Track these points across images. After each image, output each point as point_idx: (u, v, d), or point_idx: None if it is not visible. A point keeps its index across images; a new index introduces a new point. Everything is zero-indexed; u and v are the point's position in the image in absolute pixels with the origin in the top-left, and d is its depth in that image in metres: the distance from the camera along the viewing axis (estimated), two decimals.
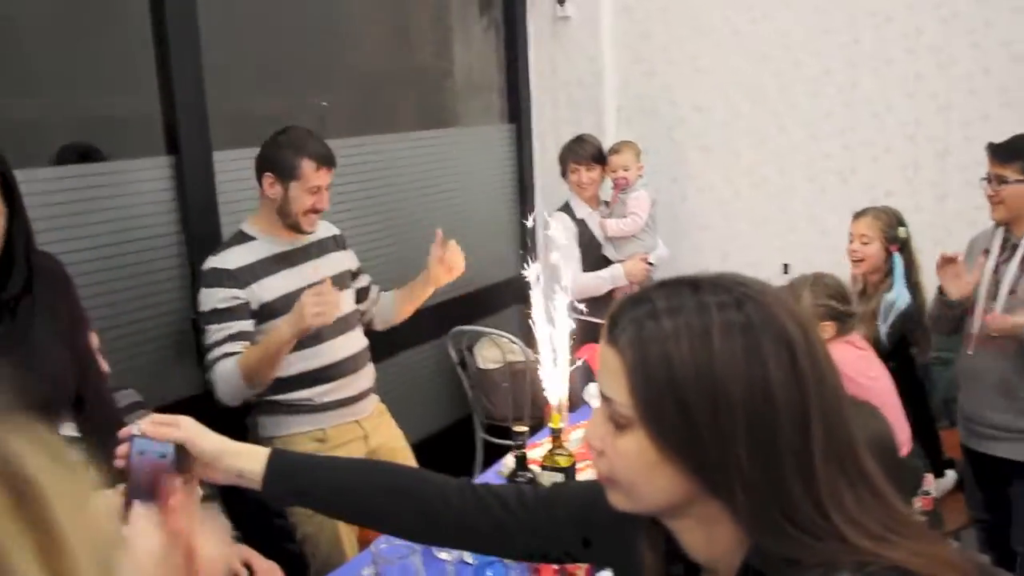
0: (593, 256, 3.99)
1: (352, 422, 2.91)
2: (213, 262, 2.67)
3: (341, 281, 2.85)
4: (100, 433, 1.70)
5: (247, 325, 2.66)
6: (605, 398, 0.96)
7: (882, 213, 3.29)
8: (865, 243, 3.21)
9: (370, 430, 2.96)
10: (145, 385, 2.75)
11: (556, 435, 2.22)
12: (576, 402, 3.40)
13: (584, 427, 2.77)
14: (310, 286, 2.56)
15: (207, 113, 3.11)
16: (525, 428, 2.27)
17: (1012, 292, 2.70)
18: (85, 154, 2.89)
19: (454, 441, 4.39)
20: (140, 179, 2.97)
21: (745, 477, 0.86)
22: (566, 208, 4.03)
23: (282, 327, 2.53)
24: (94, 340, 2.04)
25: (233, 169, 3.21)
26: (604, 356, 0.96)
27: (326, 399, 2.83)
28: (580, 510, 1.24)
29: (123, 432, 1.20)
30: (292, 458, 1.31)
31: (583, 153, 3.98)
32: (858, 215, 3.27)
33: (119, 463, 1.17)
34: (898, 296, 3.13)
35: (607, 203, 4.11)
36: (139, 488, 1.13)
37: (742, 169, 4.50)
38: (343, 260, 2.99)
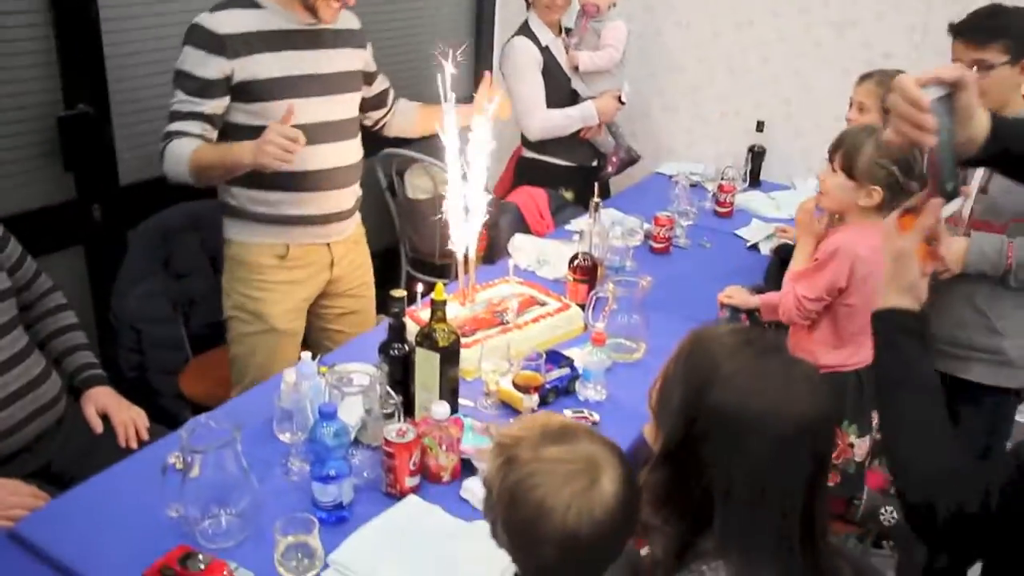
0: (558, 89, 3.48)
1: (320, 244, 2.57)
2: (203, 19, 2.30)
3: (349, 82, 2.52)
4: None
5: (217, 105, 2.32)
6: None
7: (887, 79, 2.81)
8: (862, 111, 2.76)
9: (339, 256, 2.61)
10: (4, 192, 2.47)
11: (437, 309, 1.83)
12: (496, 253, 3.03)
13: (496, 285, 2.51)
14: (315, 78, 2.36)
15: None
16: (403, 293, 1.88)
17: (983, 191, 2.28)
18: None
19: (376, 272, 4.03)
20: None
21: None
22: (526, 31, 3.48)
23: (244, 150, 2.21)
24: None
25: None
26: None
27: (291, 211, 2.47)
28: None
29: None
30: None
31: None
32: (863, 78, 2.79)
33: None
34: None
35: (568, 31, 3.55)
36: None
37: (726, 6, 3.97)
38: (356, 58, 2.56)
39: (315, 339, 2.73)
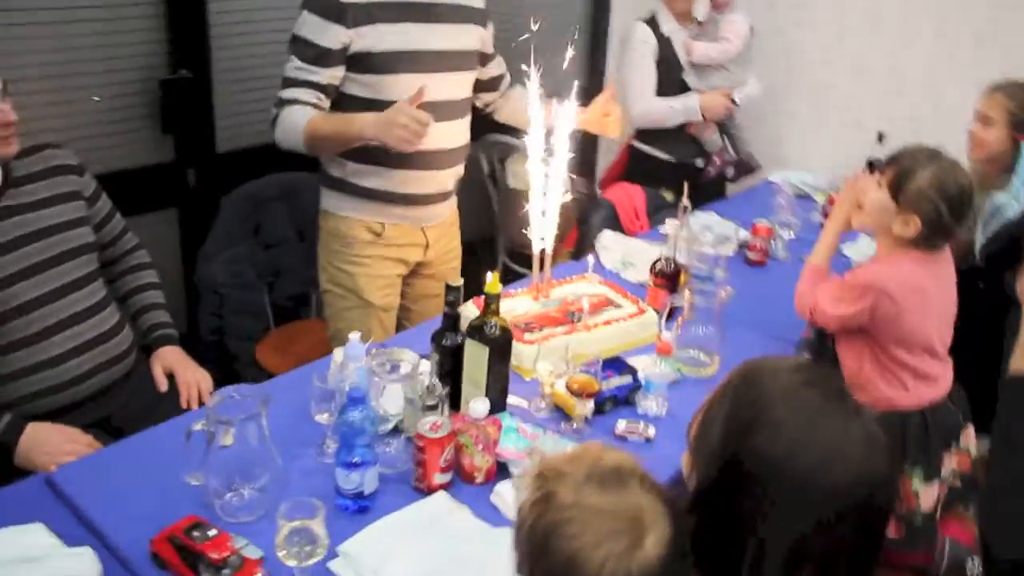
0: (671, 81, 3.37)
1: (416, 226, 2.51)
2: None
3: (465, 60, 2.44)
4: None
5: (333, 75, 2.27)
6: None
7: (1019, 90, 2.59)
8: (987, 125, 2.54)
9: (433, 240, 2.56)
10: (100, 149, 2.49)
11: (491, 301, 1.75)
12: (585, 250, 2.93)
13: (574, 282, 2.42)
14: (434, 54, 2.28)
15: None
16: (459, 282, 1.80)
17: None
18: None
19: (474, 262, 4.00)
20: None
21: None
22: (651, 20, 3.40)
23: (366, 124, 2.15)
24: None
25: None
26: None
27: (392, 188, 2.41)
28: None
29: None
30: None
31: None
32: (992, 89, 2.57)
33: None
34: (1011, 199, 2.49)
35: (700, 23, 3.42)
36: None
37: (856, 7, 3.74)
38: (474, 36, 2.46)
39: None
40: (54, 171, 2.12)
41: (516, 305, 2.28)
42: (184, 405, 2.14)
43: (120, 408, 2.14)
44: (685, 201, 2.45)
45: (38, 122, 2.49)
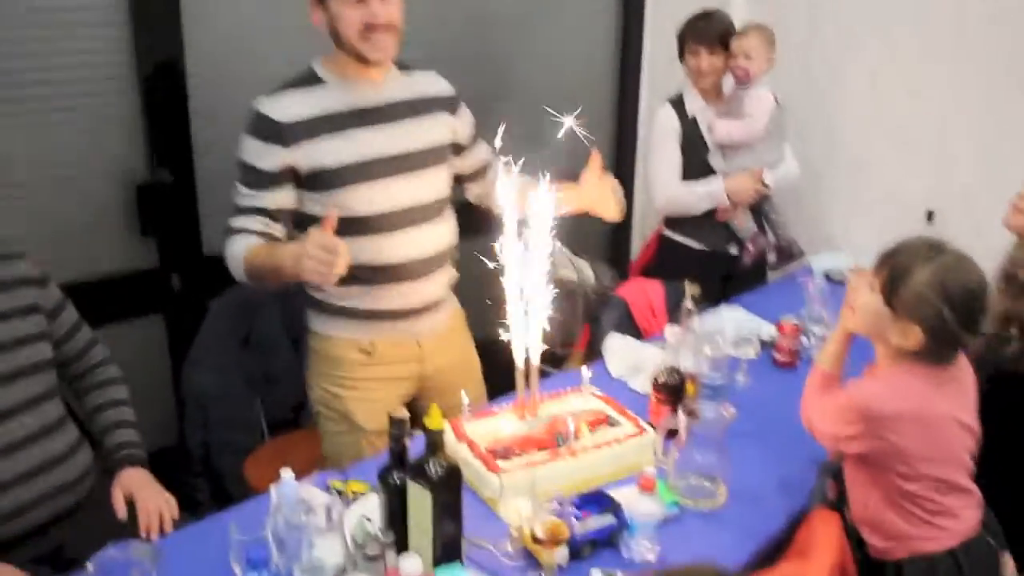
0: (697, 164, 3.16)
1: (409, 338, 2.31)
2: (262, 104, 2.09)
3: (431, 157, 2.24)
4: None
5: (280, 198, 2.11)
6: None
7: None
8: None
9: (430, 352, 2.34)
10: (75, 256, 2.45)
11: (433, 437, 1.51)
12: (594, 351, 2.67)
13: (567, 397, 2.16)
14: (391, 159, 2.12)
15: None
16: (405, 415, 1.58)
17: None
18: None
19: (491, 358, 3.79)
20: None
21: None
22: (677, 101, 3.20)
23: (286, 257, 1.95)
24: None
25: None
26: None
27: (375, 306, 2.24)
28: None
29: None
30: None
31: (707, 32, 3.10)
32: None
33: None
34: None
35: (726, 100, 3.22)
36: None
37: (897, 71, 3.47)
38: (443, 128, 2.29)
39: None
40: (11, 284, 2.01)
41: (500, 425, 2.05)
42: (143, 535, 1.96)
43: (73, 538, 1.97)
44: (688, 303, 2.19)
45: (8, 230, 2.38)
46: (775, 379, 2.47)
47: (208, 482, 2.78)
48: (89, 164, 2.54)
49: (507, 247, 1.96)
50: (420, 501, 1.52)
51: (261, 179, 2.09)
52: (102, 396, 2.20)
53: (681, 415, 1.85)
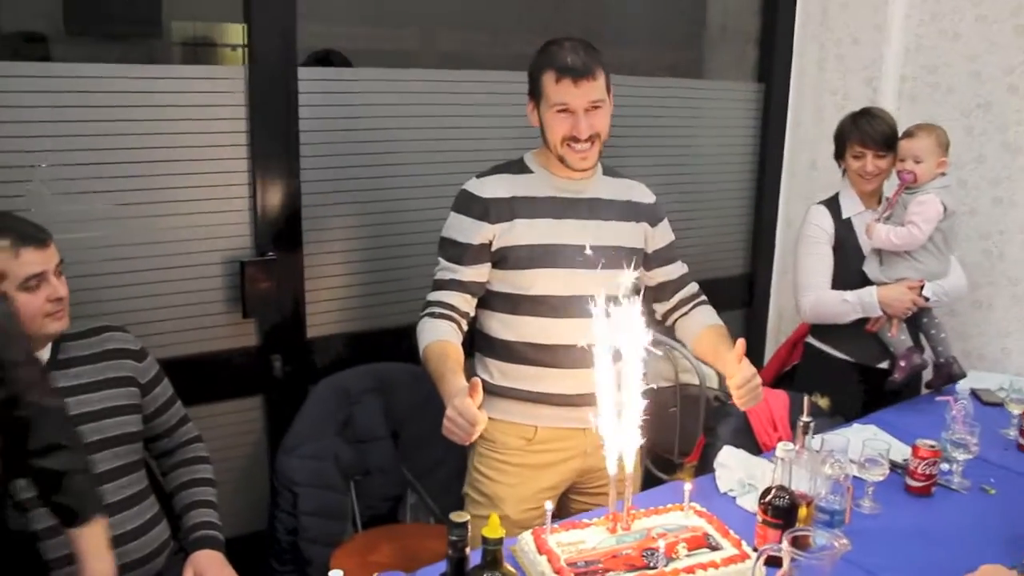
0: (850, 270, 2.92)
1: (576, 429, 2.25)
2: (470, 185, 2.25)
3: (613, 258, 2.20)
4: None
5: (478, 272, 2.21)
6: None
7: None
8: None
9: (594, 446, 2.12)
10: (177, 332, 2.51)
11: (490, 549, 1.36)
12: (707, 463, 2.45)
13: (667, 512, 1.96)
14: (579, 249, 2.14)
15: None
16: (465, 518, 1.43)
17: None
18: None
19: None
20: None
21: None
22: (831, 201, 3.00)
23: (443, 385, 2.02)
24: None
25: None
26: None
27: (541, 389, 2.25)
28: None
29: None
30: None
31: (874, 134, 2.85)
32: None
33: None
34: None
35: (888, 200, 2.97)
36: None
37: None
38: (631, 234, 2.29)
39: None
40: (109, 355, 2.07)
41: (587, 536, 1.87)
42: None
43: None
44: (805, 417, 1.97)
45: (113, 303, 2.43)
46: (906, 508, 2.19)
47: (295, 571, 2.69)
48: (194, 243, 2.56)
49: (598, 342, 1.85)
50: None
51: (463, 253, 2.18)
52: (188, 474, 2.21)
53: (785, 542, 1.62)
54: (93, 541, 1.71)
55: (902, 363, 2.84)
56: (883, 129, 2.86)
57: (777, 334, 3.98)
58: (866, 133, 2.86)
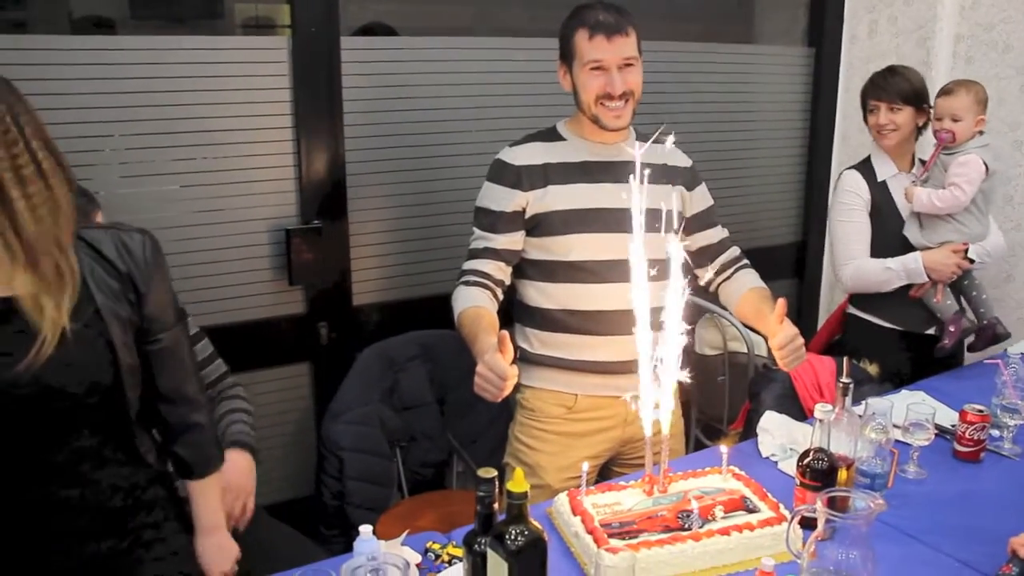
0: (889, 236, 2.85)
1: (614, 397, 2.21)
2: (503, 154, 2.26)
3: (650, 221, 2.04)
4: None
5: (511, 240, 2.22)
6: None
7: None
8: None
9: (634, 416, 2.05)
10: (232, 302, 2.59)
11: (515, 501, 1.37)
12: (751, 429, 2.44)
13: (705, 476, 1.96)
14: (604, 212, 2.16)
15: None
16: (493, 473, 1.45)
17: None
18: None
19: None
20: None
21: None
22: (864, 165, 2.92)
23: (476, 344, 2.02)
24: None
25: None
26: None
27: (581, 357, 2.25)
28: None
29: None
30: None
31: (888, 88, 2.80)
32: None
33: None
34: None
35: (923, 162, 2.91)
36: None
37: None
38: (666, 197, 2.08)
39: None
40: None
41: (623, 499, 1.87)
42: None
43: None
44: (846, 379, 1.94)
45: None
46: (953, 473, 2.15)
47: (341, 535, 2.73)
48: (242, 209, 2.61)
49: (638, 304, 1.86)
50: (498, 571, 1.38)
51: (496, 222, 2.20)
52: (227, 407, 2.18)
53: (819, 503, 1.61)
54: (205, 496, 1.69)
55: (951, 328, 2.77)
56: (898, 84, 2.79)
57: (830, 304, 3.91)
58: (877, 85, 2.82)
